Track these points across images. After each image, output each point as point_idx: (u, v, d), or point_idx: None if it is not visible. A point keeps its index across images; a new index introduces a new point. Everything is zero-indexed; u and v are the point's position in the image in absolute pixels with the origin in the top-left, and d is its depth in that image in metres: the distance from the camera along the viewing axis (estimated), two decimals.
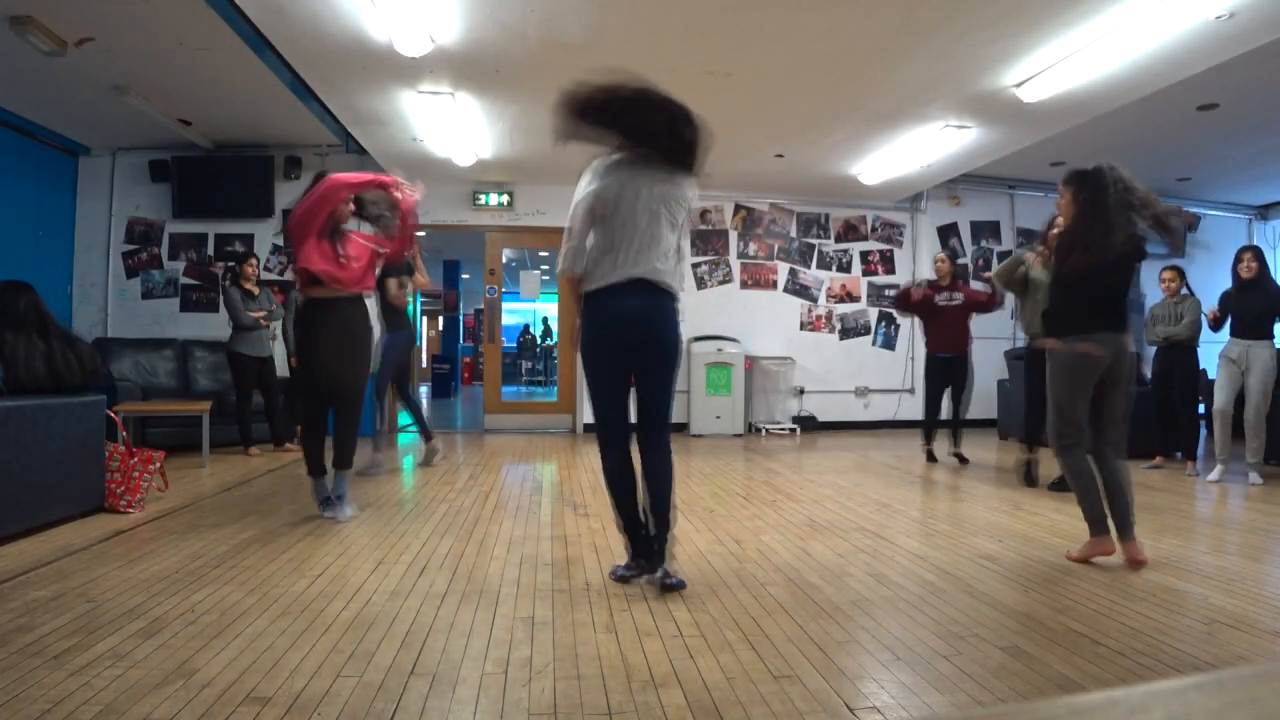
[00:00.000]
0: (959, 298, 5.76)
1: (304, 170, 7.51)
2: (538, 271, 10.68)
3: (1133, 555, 2.88)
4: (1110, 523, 2.93)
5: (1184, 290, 5.37)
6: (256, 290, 6.02)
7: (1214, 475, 4.86)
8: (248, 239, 7.41)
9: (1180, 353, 5.30)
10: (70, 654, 1.97)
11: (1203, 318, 5.21)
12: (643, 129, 2.56)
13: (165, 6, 4.40)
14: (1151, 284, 9.09)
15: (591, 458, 6.06)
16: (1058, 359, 3.07)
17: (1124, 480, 2.94)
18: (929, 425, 5.87)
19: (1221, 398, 4.88)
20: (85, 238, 7.27)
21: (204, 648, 2.03)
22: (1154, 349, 5.56)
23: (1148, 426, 5.73)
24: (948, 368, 5.76)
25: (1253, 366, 4.75)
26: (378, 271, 4.06)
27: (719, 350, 7.73)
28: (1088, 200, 2.98)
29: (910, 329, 8.61)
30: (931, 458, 5.78)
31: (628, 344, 2.59)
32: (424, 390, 13.26)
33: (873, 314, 8.62)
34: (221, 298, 6.51)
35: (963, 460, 5.71)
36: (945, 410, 5.93)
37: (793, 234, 8.47)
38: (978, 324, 8.92)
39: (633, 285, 2.54)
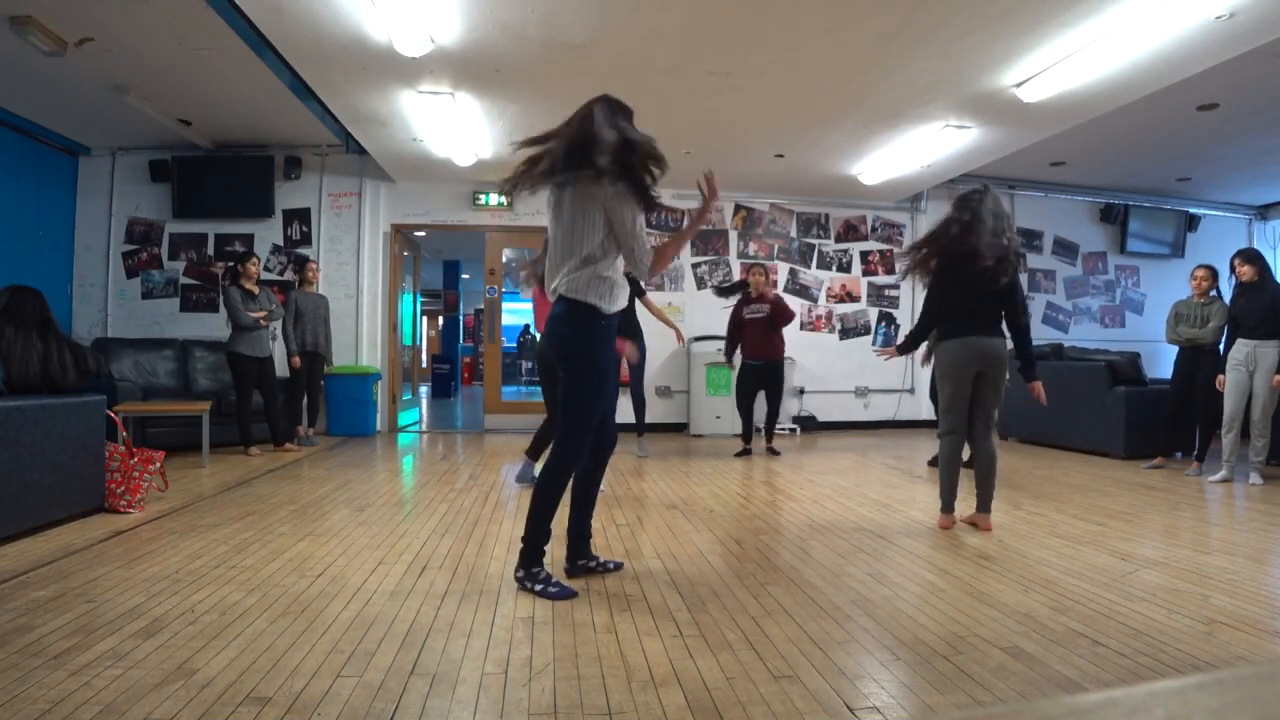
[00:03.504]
0: (764, 310, 6.09)
1: (304, 170, 7.52)
2: None
3: (984, 525, 3.52)
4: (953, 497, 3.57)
5: (1214, 292, 5.33)
6: (256, 290, 6.02)
7: (1217, 477, 4.85)
8: (248, 239, 7.41)
9: (1204, 355, 5.26)
10: (70, 654, 1.97)
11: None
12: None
13: (165, 6, 4.40)
14: (1155, 282, 9.12)
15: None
16: (941, 361, 3.54)
17: (994, 461, 3.53)
18: (745, 425, 6.33)
19: (1231, 404, 4.84)
20: (85, 238, 7.27)
21: (204, 648, 2.03)
22: (1176, 348, 5.51)
23: (1149, 427, 5.73)
24: (758, 373, 6.17)
25: (1259, 366, 4.72)
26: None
27: (719, 350, 7.73)
28: (966, 220, 3.47)
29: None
30: (746, 453, 6.24)
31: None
32: (424, 390, 13.26)
33: (873, 314, 8.62)
34: (221, 298, 6.51)
35: (775, 453, 6.29)
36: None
37: (793, 234, 8.47)
38: None
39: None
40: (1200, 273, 5.38)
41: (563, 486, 2.62)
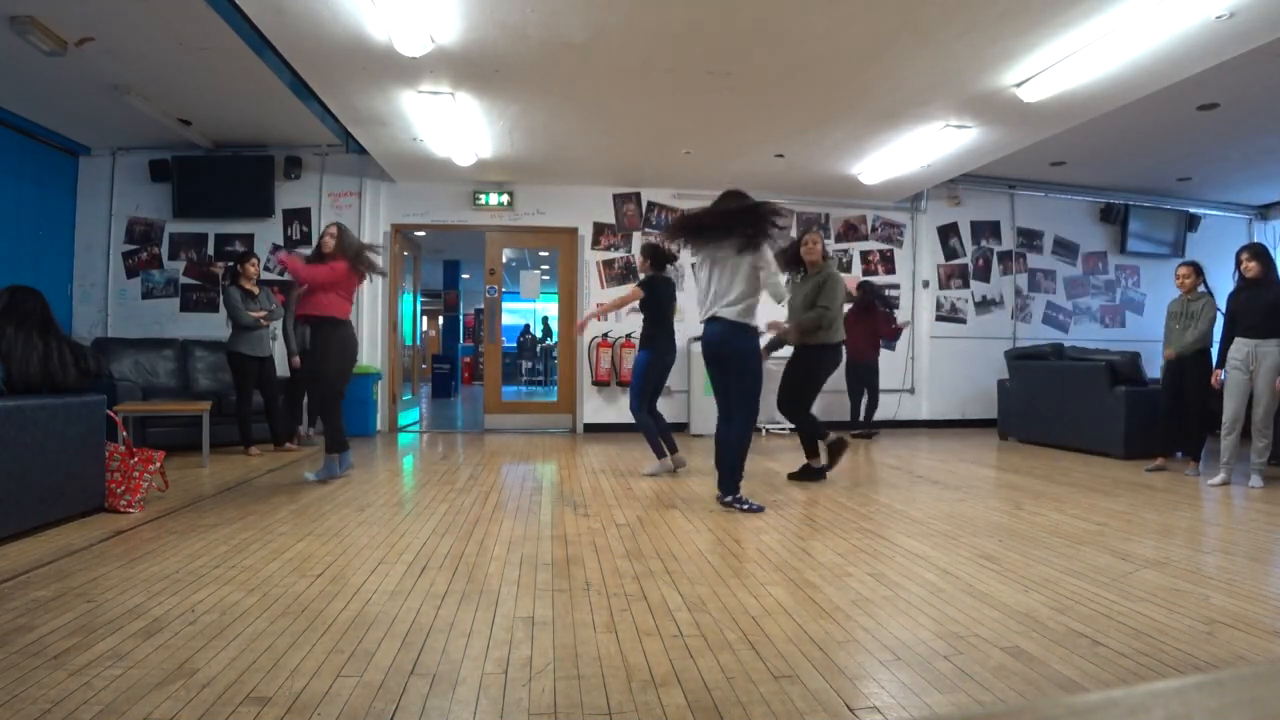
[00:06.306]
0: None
1: (304, 170, 7.52)
2: (538, 271, 10.68)
3: None
4: None
5: (1201, 288, 5.32)
6: (256, 290, 6.02)
7: (1216, 480, 4.82)
8: (248, 239, 7.41)
9: (1193, 354, 5.25)
10: (70, 654, 1.97)
11: (1216, 328, 5.14)
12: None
13: (165, 6, 4.41)
14: (1156, 282, 9.12)
15: (590, 457, 6.07)
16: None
17: None
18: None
19: (1231, 407, 4.79)
20: (85, 238, 7.27)
21: (204, 648, 2.03)
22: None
23: (1149, 427, 5.73)
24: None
25: (1260, 366, 4.66)
26: None
27: None
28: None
29: (911, 330, 8.61)
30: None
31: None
32: (424, 390, 13.25)
33: None
34: (221, 298, 6.52)
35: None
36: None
37: (793, 234, 8.45)
38: (980, 323, 8.93)
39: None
40: (1183, 270, 5.38)
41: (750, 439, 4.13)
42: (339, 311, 4.73)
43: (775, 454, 6.44)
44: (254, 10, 4.03)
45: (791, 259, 4.82)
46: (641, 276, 5.33)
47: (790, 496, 4.40)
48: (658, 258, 5.26)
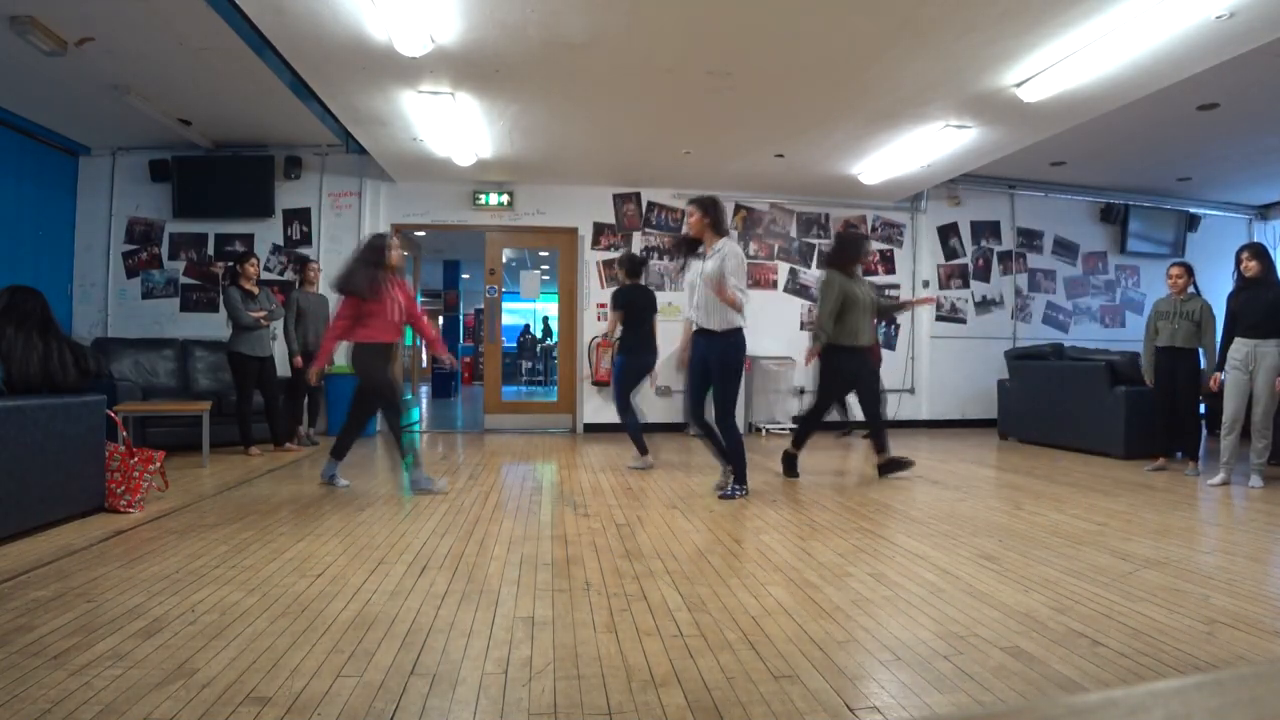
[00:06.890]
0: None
1: (304, 170, 7.52)
2: (538, 271, 10.68)
3: None
4: None
5: (1191, 289, 5.33)
6: (256, 290, 6.01)
7: (1215, 479, 4.82)
8: (248, 239, 7.41)
9: (1183, 354, 5.28)
10: (70, 654, 1.97)
11: (1217, 332, 5.15)
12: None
13: (165, 6, 4.41)
14: (1156, 282, 9.12)
15: (590, 457, 6.08)
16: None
17: None
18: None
19: (1231, 407, 4.78)
20: (85, 238, 7.27)
21: (204, 648, 2.03)
22: (1156, 348, 5.53)
23: (1149, 427, 5.73)
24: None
25: (1260, 366, 4.65)
26: None
27: None
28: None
29: (910, 329, 8.61)
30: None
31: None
32: (424, 390, 13.25)
33: None
34: (221, 298, 6.51)
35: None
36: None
37: (793, 234, 8.47)
38: (980, 323, 8.93)
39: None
40: (1175, 270, 5.40)
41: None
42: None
43: (775, 454, 6.44)
44: (254, 10, 4.03)
45: (847, 262, 5.12)
46: (617, 287, 5.76)
47: (790, 497, 4.41)
48: (633, 268, 5.66)
